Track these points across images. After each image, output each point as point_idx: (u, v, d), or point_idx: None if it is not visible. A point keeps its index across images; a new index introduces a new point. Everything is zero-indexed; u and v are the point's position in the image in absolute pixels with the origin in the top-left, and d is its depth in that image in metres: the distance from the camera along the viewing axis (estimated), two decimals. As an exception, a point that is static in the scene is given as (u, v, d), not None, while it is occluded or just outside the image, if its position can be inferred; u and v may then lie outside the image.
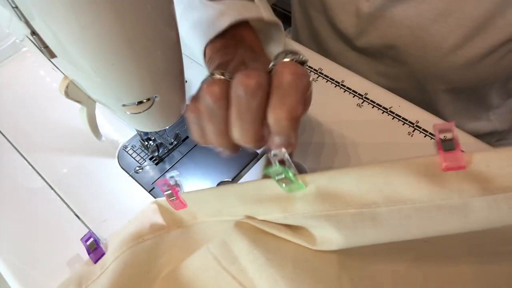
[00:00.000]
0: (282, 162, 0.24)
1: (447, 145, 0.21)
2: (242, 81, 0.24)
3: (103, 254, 0.33)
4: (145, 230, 0.33)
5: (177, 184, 0.32)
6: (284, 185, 0.25)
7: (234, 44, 0.37)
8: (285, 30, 0.57)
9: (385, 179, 0.23)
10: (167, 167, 0.43)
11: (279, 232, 0.29)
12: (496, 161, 0.21)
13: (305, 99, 0.25)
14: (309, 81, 0.26)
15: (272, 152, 0.24)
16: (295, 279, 0.26)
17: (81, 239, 0.34)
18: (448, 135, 0.21)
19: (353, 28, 0.54)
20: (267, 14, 0.40)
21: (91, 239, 0.33)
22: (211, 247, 0.31)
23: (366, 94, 0.45)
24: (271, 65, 0.26)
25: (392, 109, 0.43)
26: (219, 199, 0.31)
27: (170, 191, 0.32)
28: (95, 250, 0.33)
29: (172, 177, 0.32)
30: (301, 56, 0.26)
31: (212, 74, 0.27)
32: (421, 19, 0.48)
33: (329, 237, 0.26)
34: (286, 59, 0.25)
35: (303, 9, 0.62)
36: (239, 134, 0.26)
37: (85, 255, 0.36)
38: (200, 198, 0.33)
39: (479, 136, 0.45)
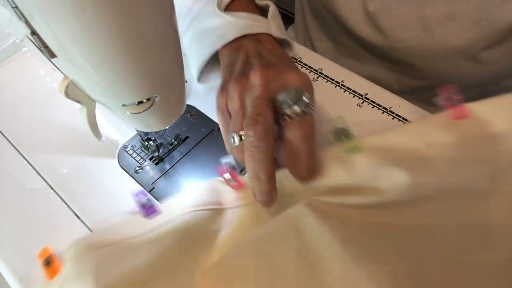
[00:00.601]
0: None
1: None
2: (249, 128, 0.29)
3: (155, 211, 0.32)
4: (203, 202, 0.34)
5: (233, 167, 0.34)
6: (344, 138, 0.32)
7: (238, 46, 0.39)
8: (286, 30, 0.57)
9: (420, 130, 0.32)
10: (167, 167, 0.43)
11: (345, 197, 0.32)
12: (491, 109, 0.32)
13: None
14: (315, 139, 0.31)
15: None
16: (357, 256, 0.29)
17: (133, 193, 0.33)
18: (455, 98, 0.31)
19: (360, 28, 0.54)
20: (276, 30, 0.42)
21: (145, 197, 0.33)
22: (276, 221, 0.32)
23: (366, 94, 0.45)
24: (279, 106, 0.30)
25: (392, 109, 0.43)
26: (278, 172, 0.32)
27: (229, 176, 0.34)
28: (148, 207, 0.32)
29: (228, 162, 0.33)
30: (309, 110, 0.30)
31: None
32: (424, 22, 0.48)
33: (393, 182, 0.31)
34: (294, 114, 0.29)
35: (312, 6, 0.62)
36: (252, 173, 0.29)
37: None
38: None
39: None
